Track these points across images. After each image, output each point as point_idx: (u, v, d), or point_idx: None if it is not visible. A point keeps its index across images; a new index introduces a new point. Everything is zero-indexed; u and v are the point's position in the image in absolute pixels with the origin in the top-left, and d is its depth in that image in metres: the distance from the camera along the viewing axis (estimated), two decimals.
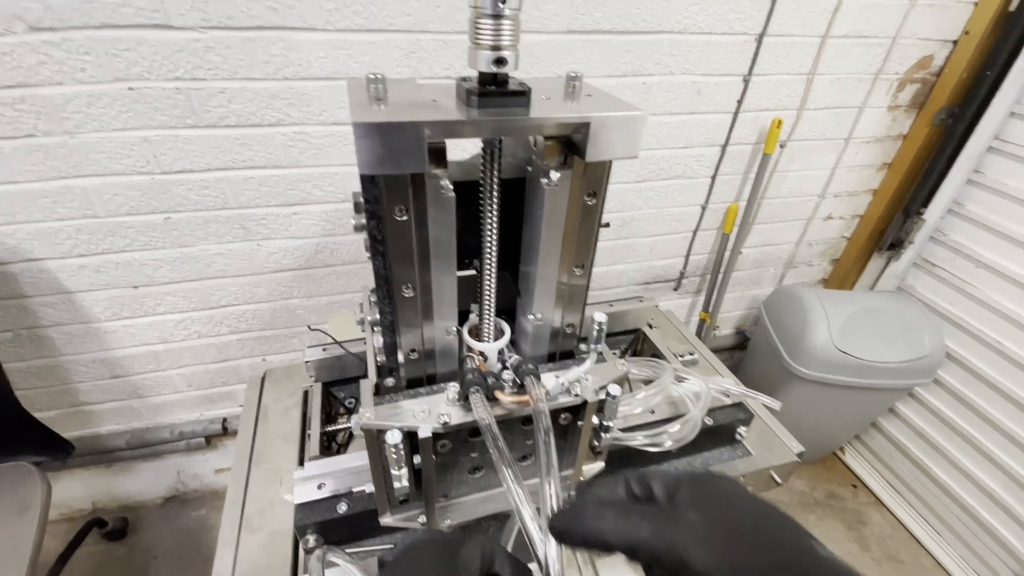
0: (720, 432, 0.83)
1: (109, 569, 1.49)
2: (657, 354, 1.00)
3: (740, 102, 1.37)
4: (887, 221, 1.72)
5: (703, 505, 0.30)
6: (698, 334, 1.87)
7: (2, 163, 0.98)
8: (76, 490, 1.54)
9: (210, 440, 1.51)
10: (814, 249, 1.86)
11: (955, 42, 1.45)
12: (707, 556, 0.27)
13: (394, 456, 0.42)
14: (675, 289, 1.79)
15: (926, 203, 1.60)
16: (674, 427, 0.69)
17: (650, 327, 1.10)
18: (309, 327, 0.94)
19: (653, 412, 0.78)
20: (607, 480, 0.35)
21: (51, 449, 1.16)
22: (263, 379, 0.98)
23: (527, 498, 0.39)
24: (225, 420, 1.49)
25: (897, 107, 1.54)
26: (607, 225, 1.33)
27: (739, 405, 0.86)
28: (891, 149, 1.64)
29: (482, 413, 0.42)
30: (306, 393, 0.92)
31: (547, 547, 0.35)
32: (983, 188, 1.48)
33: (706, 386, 0.74)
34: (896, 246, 1.71)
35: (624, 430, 0.71)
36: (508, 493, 0.39)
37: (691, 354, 1.00)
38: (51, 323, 1.20)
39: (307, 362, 0.87)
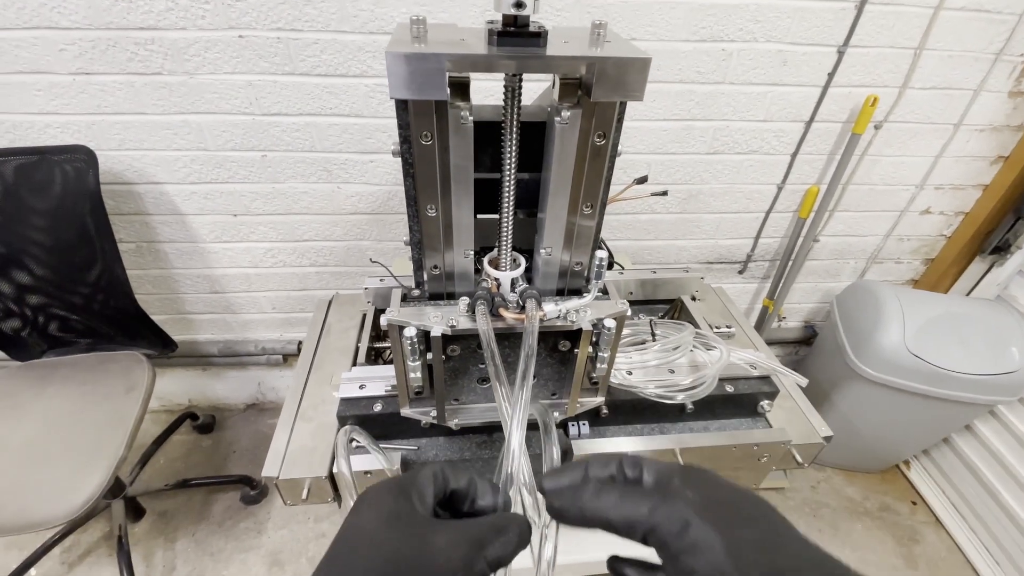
0: (740, 402, 0.83)
1: (196, 455, 1.77)
2: (692, 323, 1.00)
3: (831, 75, 1.28)
4: (995, 221, 1.54)
5: (697, 486, 0.33)
6: (759, 321, 1.81)
7: (134, 96, 1.17)
8: (176, 387, 1.82)
9: (286, 358, 1.71)
10: (905, 245, 1.71)
11: None
12: (705, 528, 0.29)
13: (409, 347, 0.49)
14: (740, 272, 1.73)
15: None
16: (686, 380, 0.72)
17: (693, 299, 1.10)
18: (371, 260, 1.05)
19: (673, 372, 0.81)
20: (602, 460, 0.37)
21: (159, 344, 1.38)
22: (330, 302, 1.11)
23: (515, 407, 0.44)
24: (300, 343, 1.68)
25: (1020, 93, 1.36)
26: (664, 193, 1.33)
27: (766, 379, 0.85)
28: (1009, 141, 1.46)
29: (483, 323, 0.48)
30: (364, 316, 1.04)
31: (521, 463, 0.39)
32: None
33: (726, 349, 0.75)
34: (1002, 250, 1.54)
35: (638, 381, 0.75)
36: (495, 394, 0.45)
37: (728, 327, 0.99)
38: (166, 239, 1.42)
39: (366, 288, 0.98)
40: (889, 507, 1.73)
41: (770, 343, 1.92)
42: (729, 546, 0.29)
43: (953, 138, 1.43)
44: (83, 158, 1.12)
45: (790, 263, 1.64)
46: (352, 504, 0.34)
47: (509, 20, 0.41)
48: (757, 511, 0.32)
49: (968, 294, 1.69)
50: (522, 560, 0.35)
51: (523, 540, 0.34)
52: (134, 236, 1.40)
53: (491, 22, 0.43)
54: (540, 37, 0.41)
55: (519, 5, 0.40)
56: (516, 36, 0.41)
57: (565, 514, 0.35)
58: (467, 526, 0.33)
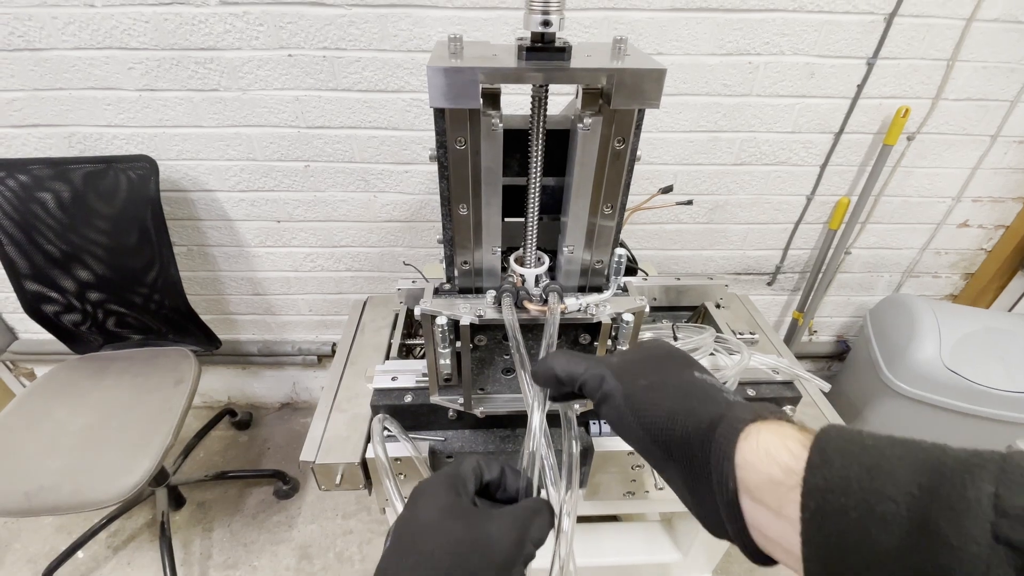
0: None
1: (233, 450, 1.85)
2: (715, 328, 1.01)
3: (861, 87, 1.29)
4: None
5: (624, 353, 0.44)
6: (788, 334, 1.79)
7: (193, 110, 1.27)
8: (217, 383, 1.92)
9: (321, 359, 1.79)
10: (943, 259, 1.67)
11: None
12: (612, 380, 0.39)
13: (440, 336, 0.53)
14: (769, 284, 1.72)
15: None
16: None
17: (718, 307, 1.11)
18: (404, 263, 1.10)
19: None
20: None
21: (205, 342, 1.47)
22: (364, 303, 1.17)
23: (538, 398, 0.47)
24: (334, 344, 1.75)
25: None
26: (689, 202, 1.35)
27: (789, 384, 0.86)
28: None
29: (508, 314, 0.52)
30: (396, 316, 1.09)
31: (541, 441, 0.43)
32: None
33: (747, 352, 0.77)
34: None
35: None
36: (519, 379, 0.48)
37: (752, 333, 1.00)
38: (215, 243, 1.52)
39: (399, 289, 1.03)
40: None
41: (801, 357, 1.89)
42: (626, 392, 0.38)
43: (990, 150, 1.41)
44: (146, 167, 1.22)
45: (820, 275, 1.62)
46: (406, 498, 0.40)
47: (537, 37, 0.46)
48: (658, 363, 0.41)
49: (1010, 310, 1.63)
50: (542, 559, 0.39)
51: (552, 520, 0.40)
52: (186, 240, 1.50)
53: (520, 38, 0.48)
54: (565, 52, 0.46)
55: (546, 23, 0.44)
56: (543, 51, 0.46)
57: (536, 374, 0.44)
58: (510, 513, 0.38)
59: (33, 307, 1.34)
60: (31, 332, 1.70)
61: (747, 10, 1.17)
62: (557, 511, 0.46)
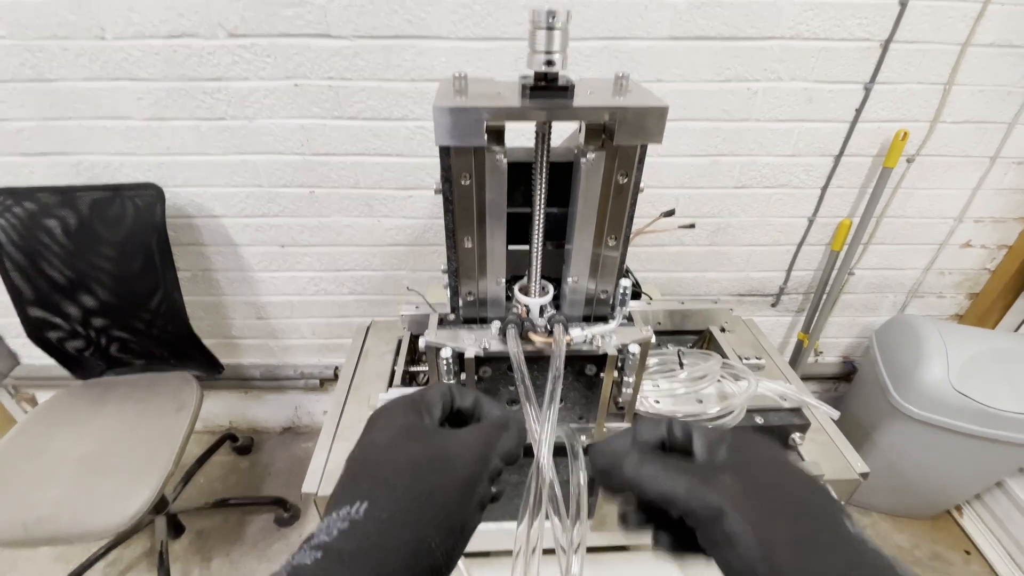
0: (771, 434, 0.83)
1: (234, 476, 1.83)
2: (720, 353, 1.01)
3: (859, 111, 1.30)
4: None
5: (740, 468, 0.31)
6: (794, 356, 1.77)
7: (200, 139, 1.28)
8: (218, 408, 1.91)
9: (323, 383, 1.78)
10: (947, 279, 1.67)
11: None
12: (739, 521, 0.28)
13: (445, 368, 0.53)
14: (773, 305, 1.72)
15: None
16: (713, 408, 0.73)
17: (723, 331, 1.10)
18: (408, 288, 1.11)
19: (701, 401, 0.81)
20: (650, 423, 0.38)
21: (207, 367, 1.47)
22: (368, 328, 1.17)
23: (543, 424, 0.47)
24: (336, 368, 1.75)
25: None
26: (692, 225, 1.35)
27: (797, 411, 0.85)
28: None
29: (513, 346, 0.51)
30: (400, 342, 1.08)
31: (552, 475, 0.41)
32: None
33: (754, 379, 0.76)
34: None
35: (666, 409, 0.76)
36: (524, 412, 0.48)
37: (758, 358, 0.99)
38: (219, 268, 1.52)
39: (402, 315, 1.03)
40: (941, 556, 1.63)
41: (807, 379, 1.87)
42: (763, 543, 0.27)
43: (990, 171, 1.42)
44: (152, 194, 1.23)
45: (824, 296, 1.62)
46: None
47: (540, 76, 0.46)
48: (800, 500, 0.30)
49: (1016, 330, 1.62)
50: None
51: (523, 432, 0.37)
52: (190, 265, 1.51)
53: (524, 77, 0.49)
54: (568, 90, 0.46)
55: (549, 63, 0.45)
56: (546, 90, 0.46)
57: (607, 476, 0.35)
58: (473, 429, 0.36)
59: (36, 333, 1.34)
60: (33, 357, 1.70)
61: (745, 38, 1.19)
62: (567, 543, 0.45)
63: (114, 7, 1.11)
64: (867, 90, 1.27)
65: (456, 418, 0.39)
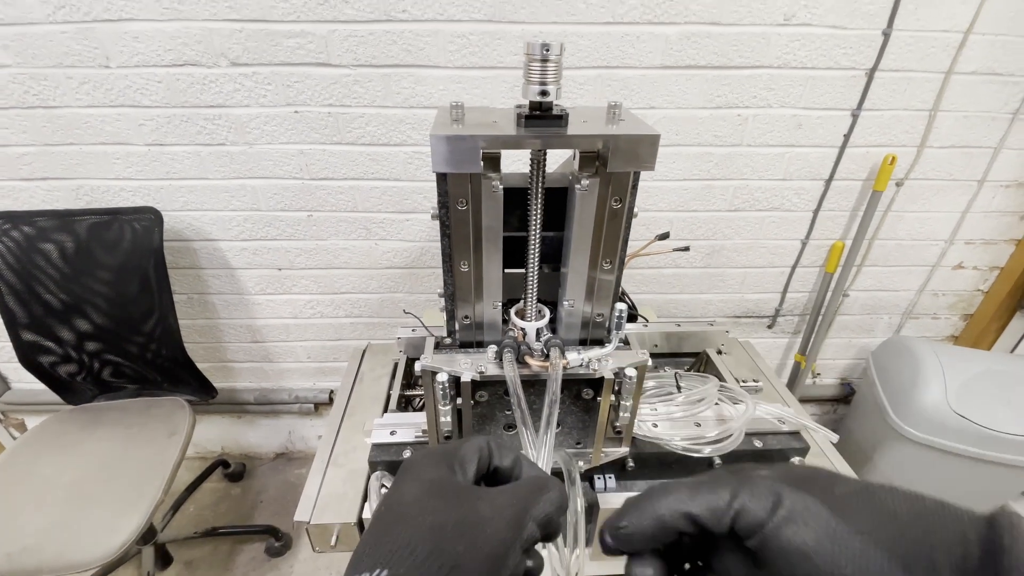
0: (770, 457, 0.82)
1: (225, 503, 1.79)
2: (717, 376, 1.01)
3: (847, 136, 1.33)
4: None
5: (770, 469, 0.29)
6: (792, 378, 1.77)
7: (200, 164, 1.30)
8: (211, 433, 1.88)
9: (318, 407, 1.76)
10: (941, 300, 1.68)
11: None
12: (799, 492, 0.26)
13: (441, 392, 0.53)
14: (769, 327, 1.72)
15: None
16: (712, 432, 0.72)
17: (719, 353, 1.11)
18: (404, 311, 1.11)
19: (699, 425, 0.81)
20: (656, 486, 0.31)
21: (201, 391, 1.45)
22: (364, 351, 1.16)
23: (540, 449, 0.47)
24: (332, 392, 1.73)
25: None
26: (686, 248, 1.36)
27: (796, 435, 0.84)
28: None
29: (509, 370, 0.51)
30: (396, 365, 1.08)
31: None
32: None
33: (752, 402, 0.76)
34: None
35: (664, 433, 0.75)
36: (520, 436, 0.47)
37: (756, 380, 0.99)
38: (215, 291, 1.52)
39: (398, 338, 1.03)
40: None
41: (805, 401, 1.86)
42: (832, 506, 0.25)
43: (979, 194, 1.44)
44: (151, 218, 1.24)
45: (820, 318, 1.63)
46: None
47: (535, 105, 0.48)
48: (837, 476, 0.28)
49: (1012, 351, 1.63)
50: None
51: (564, 497, 0.32)
52: (186, 288, 1.51)
53: (519, 106, 0.50)
54: (562, 119, 0.48)
55: (544, 93, 0.46)
56: (541, 118, 0.48)
57: (636, 531, 0.29)
58: (508, 489, 0.32)
59: (28, 357, 1.33)
60: (24, 382, 1.68)
61: (734, 67, 1.22)
62: (564, 571, 0.44)
63: (120, 37, 1.13)
64: (854, 116, 1.30)
65: (493, 477, 0.36)
